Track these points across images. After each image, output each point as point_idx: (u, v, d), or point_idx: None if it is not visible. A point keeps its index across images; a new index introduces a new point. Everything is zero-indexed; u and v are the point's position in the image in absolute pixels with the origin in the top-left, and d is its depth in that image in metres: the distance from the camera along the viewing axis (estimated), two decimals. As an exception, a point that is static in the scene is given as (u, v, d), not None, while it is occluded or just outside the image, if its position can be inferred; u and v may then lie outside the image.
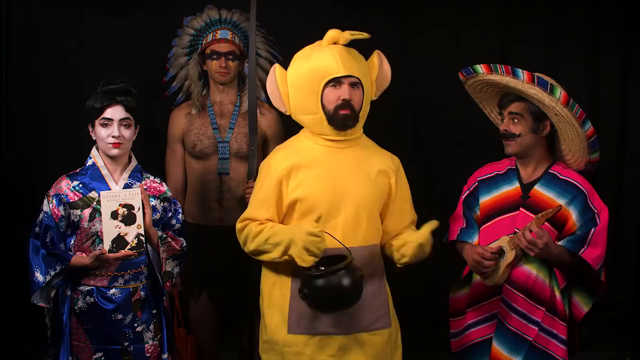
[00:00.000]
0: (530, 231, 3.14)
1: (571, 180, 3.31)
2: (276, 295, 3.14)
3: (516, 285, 3.25)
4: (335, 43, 3.11)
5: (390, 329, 3.16)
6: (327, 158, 3.11)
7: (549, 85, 3.19)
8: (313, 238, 2.90)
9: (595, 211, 3.28)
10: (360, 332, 3.09)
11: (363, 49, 3.20)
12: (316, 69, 3.06)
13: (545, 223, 3.20)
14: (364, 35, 3.10)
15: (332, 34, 3.11)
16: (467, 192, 3.47)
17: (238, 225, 3.15)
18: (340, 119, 3.06)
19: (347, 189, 3.08)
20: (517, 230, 3.24)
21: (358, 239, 3.09)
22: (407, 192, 3.25)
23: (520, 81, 3.21)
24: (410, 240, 3.07)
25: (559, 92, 3.19)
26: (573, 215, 3.27)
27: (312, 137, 3.15)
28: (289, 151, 3.16)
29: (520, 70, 3.21)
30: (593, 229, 3.24)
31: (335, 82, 3.05)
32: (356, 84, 3.08)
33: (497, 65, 3.24)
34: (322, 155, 3.12)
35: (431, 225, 3.06)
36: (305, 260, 2.93)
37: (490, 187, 3.41)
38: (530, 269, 3.25)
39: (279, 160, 3.13)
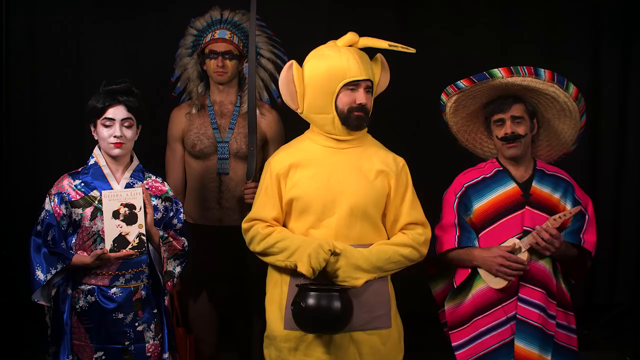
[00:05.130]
0: (548, 232, 3.18)
1: (558, 175, 3.41)
2: (277, 293, 3.17)
3: (535, 281, 3.27)
4: (350, 46, 3.13)
5: (390, 330, 3.15)
6: (325, 158, 3.13)
7: (565, 82, 3.26)
8: (320, 250, 2.95)
9: (580, 201, 3.35)
10: (356, 331, 3.09)
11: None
12: (335, 70, 3.07)
13: (544, 215, 3.27)
14: (410, 50, 3.12)
15: (350, 36, 3.14)
16: (456, 199, 3.42)
17: (244, 225, 3.18)
18: (354, 120, 3.09)
19: (342, 189, 3.09)
20: (525, 228, 3.27)
21: (352, 238, 3.09)
22: (408, 194, 3.19)
23: (542, 80, 3.25)
24: None
25: (572, 87, 3.27)
26: (568, 207, 3.34)
27: (314, 138, 3.17)
28: (289, 151, 3.19)
29: (542, 70, 3.25)
30: (587, 218, 3.33)
31: (353, 85, 3.08)
32: (370, 87, 3.11)
33: (519, 67, 3.26)
34: (321, 155, 3.14)
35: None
36: (305, 267, 2.98)
37: (482, 192, 3.40)
38: (544, 263, 3.29)
39: (278, 159, 3.17)
